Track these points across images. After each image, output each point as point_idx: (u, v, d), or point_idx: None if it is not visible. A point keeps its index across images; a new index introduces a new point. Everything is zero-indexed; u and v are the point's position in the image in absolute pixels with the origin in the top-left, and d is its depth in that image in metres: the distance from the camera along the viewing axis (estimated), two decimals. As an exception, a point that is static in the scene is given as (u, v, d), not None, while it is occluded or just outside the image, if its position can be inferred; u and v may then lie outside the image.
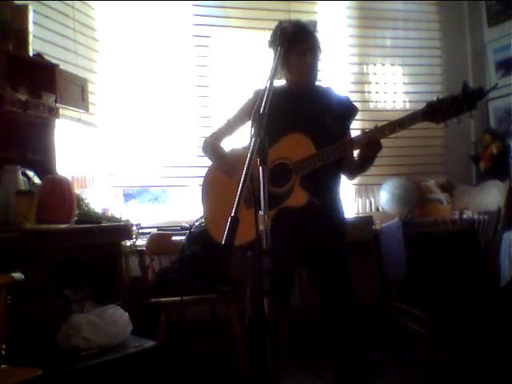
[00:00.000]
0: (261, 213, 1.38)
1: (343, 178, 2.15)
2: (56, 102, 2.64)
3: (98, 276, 2.55)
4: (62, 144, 2.79)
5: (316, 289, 2.11)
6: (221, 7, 3.77)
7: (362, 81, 4.11)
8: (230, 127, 2.21)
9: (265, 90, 1.52)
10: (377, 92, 4.11)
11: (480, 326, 2.85)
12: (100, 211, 2.91)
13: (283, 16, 3.47)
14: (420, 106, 1.82)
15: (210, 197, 2.20)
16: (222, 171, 2.13)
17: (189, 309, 3.08)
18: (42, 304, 2.06)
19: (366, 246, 3.32)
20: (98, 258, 2.51)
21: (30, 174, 2.43)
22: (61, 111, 2.71)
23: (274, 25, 2.04)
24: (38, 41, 2.81)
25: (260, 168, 1.38)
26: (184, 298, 2.65)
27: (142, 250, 3.06)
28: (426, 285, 2.64)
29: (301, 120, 2.00)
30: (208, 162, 2.28)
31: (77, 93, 2.90)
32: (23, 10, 2.59)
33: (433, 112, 1.78)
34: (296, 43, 1.95)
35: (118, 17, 3.50)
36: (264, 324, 1.40)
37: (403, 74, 4.18)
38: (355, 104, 2.19)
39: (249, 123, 1.48)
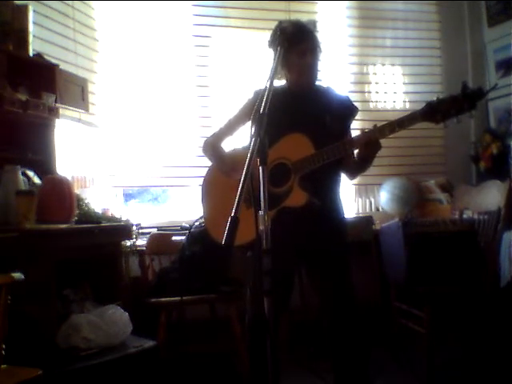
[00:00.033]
0: (261, 213, 1.38)
1: (343, 178, 2.15)
2: (56, 101, 2.64)
3: (98, 276, 2.55)
4: (61, 144, 2.79)
5: (316, 289, 2.11)
6: (221, 7, 3.77)
7: (361, 81, 4.11)
8: (230, 127, 2.21)
9: (265, 90, 1.52)
10: (377, 92, 4.11)
11: (480, 326, 2.85)
12: (100, 211, 2.91)
13: (283, 16, 3.47)
14: (420, 106, 1.82)
15: (210, 197, 2.20)
16: (222, 171, 2.13)
17: (189, 309, 3.08)
18: (42, 304, 2.06)
19: (366, 246, 3.31)
20: (97, 258, 2.51)
21: (30, 174, 2.43)
22: (61, 111, 2.72)
23: (273, 25, 2.04)
24: (38, 41, 2.81)
25: (260, 168, 1.38)
26: (184, 298, 2.65)
27: (142, 250, 3.06)
28: (426, 285, 2.64)
29: (301, 120, 2.00)
30: (208, 162, 2.28)
31: (77, 93, 2.90)
32: (23, 10, 2.59)
33: (432, 112, 1.78)
34: (296, 43, 1.95)
35: (118, 17, 3.50)
36: (264, 324, 1.40)
37: (403, 74, 4.18)
38: (355, 104, 2.19)
39: (249, 123, 1.47)
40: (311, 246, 2.02)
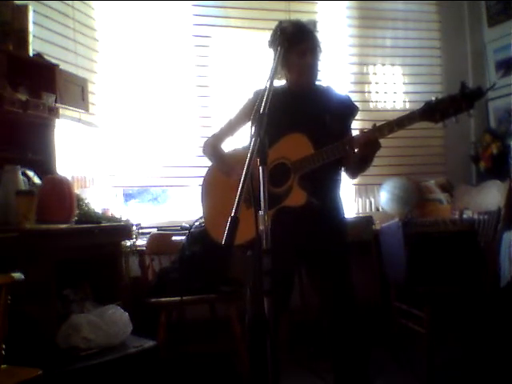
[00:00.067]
0: (261, 213, 1.38)
1: (344, 178, 2.15)
2: (56, 101, 2.64)
3: (98, 276, 2.55)
4: (61, 144, 2.79)
5: (316, 289, 2.11)
6: (221, 7, 3.77)
7: (362, 81, 4.11)
8: (230, 128, 2.21)
9: (265, 90, 1.52)
10: (377, 92, 4.12)
11: (480, 326, 2.85)
12: (100, 211, 2.91)
13: (283, 16, 3.47)
14: (420, 106, 1.82)
15: (210, 197, 2.20)
16: (222, 171, 2.13)
17: (189, 309, 3.08)
18: (42, 304, 2.06)
19: (366, 246, 3.31)
20: (97, 258, 2.51)
21: (30, 174, 2.43)
22: (61, 111, 2.72)
23: (273, 25, 2.04)
24: (38, 41, 2.81)
25: (260, 168, 1.38)
26: (184, 298, 2.65)
27: (142, 250, 3.06)
28: (426, 285, 2.64)
29: (301, 120, 2.00)
30: (208, 163, 2.28)
31: (77, 93, 2.90)
32: (23, 10, 2.59)
33: (431, 111, 1.78)
34: (296, 43, 1.95)
35: (118, 17, 3.50)
36: (264, 324, 1.40)
37: (403, 74, 4.18)
38: (355, 103, 2.19)
39: (249, 123, 1.48)
40: (311, 245, 2.02)
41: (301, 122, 1.98)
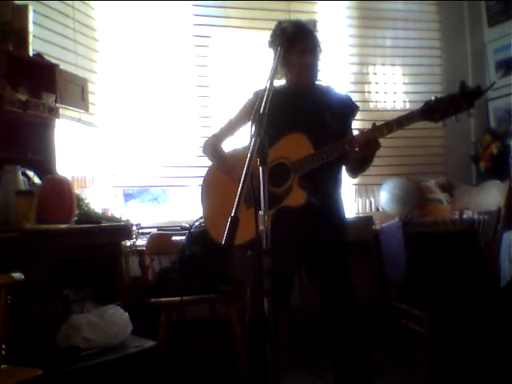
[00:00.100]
0: (261, 213, 1.38)
1: (344, 178, 2.15)
2: (56, 101, 2.64)
3: (98, 276, 2.55)
4: (61, 144, 2.79)
5: (316, 289, 2.11)
6: (221, 7, 3.77)
7: (362, 81, 4.11)
8: (230, 128, 2.21)
9: (265, 90, 1.52)
10: (377, 92, 4.12)
11: (480, 326, 2.85)
12: (100, 211, 2.91)
13: (283, 16, 3.47)
14: (419, 106, 1.82)
15: (210, 197, 2.20)
16: (223, 171, 2.13)
17: (189, 309, 3.08)
18: (42, 304, 2.06)
19: (366, 246, 3.31)
20: (98, 258, 2.51)
21: (30, 174, 2.43)
22: (61, 111, 2.72)
23: (273, 25, 2.04)
24: (38, 41, 2.81)
25: (260, 168, 1.38)
26: (184, 298, 2.65)
27: (142, 250, 3.06)
28: (426, 285, 2.64)
29: (301, 120, 2.00)
30: (208, 162, 2.28)
31: (77, 93, 2.90)
32: (23, 10, 2.59)
33: (431, 111, 1.78)
34: (296, 42, 1.95)
35: (118, 17, 3.50)
36: (264, 324, 1.40)
37: (403, 74, 4.18)
38: (356, 102, 2.19)
39: (249, 124, 1.48)
40: (311, 245, 2.02)
41: (301, 122, 1.98)
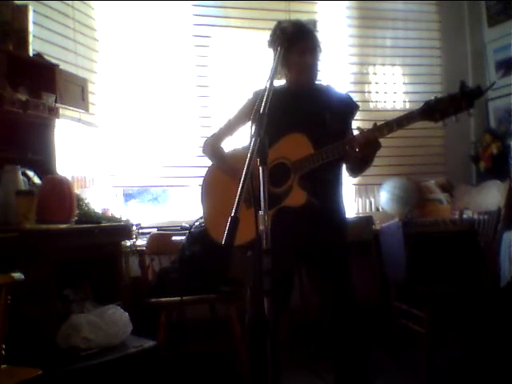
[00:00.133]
0: (261, 213, 1.38)
1: (345, 178, 2.15)
2: (56, 101, 2.64)
3: (98, 276, 2.55)
4: (61, 144, 2.79)
5: (316, 289, 2.11)
6: (221, 7, 3.77)
7: (362, 81, 4.11)
8: (229, 128, 2.21)
9: (265, 90, 1.52)
10: (377, 92, 4.12)
11: (480, 326, 2.85)
12: (100, 211, 2.91)
13: (283, 16, 3.47)
14: (419, 106, 1.82)
15: (210, 197, 2.20)
16: (223, 171, 2.13)
17: (189, 309, 3.08)
18: (42, 304, 2.06)
19: (366, 246, 3.31)
20: (98, 258, 2.51)
21: (30, 174, 2.43)
22: (61, 111, 2.72)
23: (273, 25, 2.04)
24: (38, 41, 2.81)
25: (260, 168, 1.38)
26: (184, 298, 2.65)
27: (142, 250, 3.06)
28: (426, 285, 2.64)
29: (301, 119, 2.00)
30: (208, 162, 2.28)
31: (77, 93, 2.90)
32: (23, 10, 2.59)
33: (431, 111, 1.78)
34: (296, 42, 1.95)
35: (118, 17, 3.50)
36: (264, 324, 1.40)
37: (403, 74, 4.18)
38: (355, 101, 2.19)
39: (249, 123, 1.48)
40: (311, 245, 2.02)
41: (301, 122, 1.98)
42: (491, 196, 2.92)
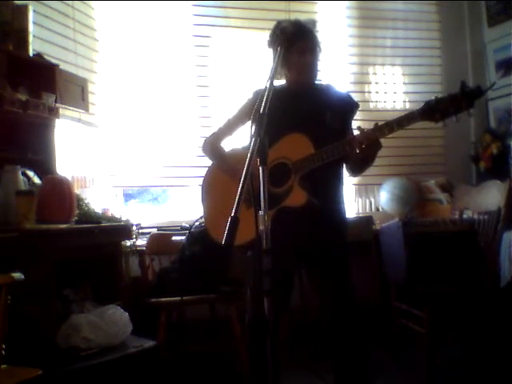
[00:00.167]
0: (261, 213, 1.38)
1: (346, 177, 2.15)
2: (56, 101, 2.64)
3: (98, 276, 2.55)
4: (61, 144, 2.79)
5: (316, 289, 2.11)
6: (221, 7, 3.77)
7: (362, 81, 4.11)
8: (229, 127, 2.21)
9: (265, 90, 1.52)
10: (377, 92, 4.12)
11: (480, 326, 2.85)
12: (100, 211, 2.91)
13: (283, 16, 3.47)
14: (420, 106, 1.82)
15: (210, 197, 2.20)
16: (223, 170, 2.13)
17: (189, 309, 3.08)
18: (42, 304, 2.06)
19: (366, 246, 3.31)
20: (98, 258, 2.51)
21: (30, 174, 2.43)
22: (61, 111, 2.72)
23: (273, 25, 2.04)
24: (38, 41, 2.81)
25: (260, 168, 1.38)
26: (184, 298, 2.65)
27: (142, 250, 3.06)
28: (426, 285, 2.64)
29: (301, 119, 2.00)
30: (208, 162, 2.28)
31: (77, 93, 2.90)
32: (23, 10, 2.59)
33: (431, 111, 1.78)
34: (296, 42, 1.95)
35: (118, 17, 3.50)
36: (264, 324, 1.40)
37: (403, 74, 4.18)
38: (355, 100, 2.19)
39: (249, 123, 1.48)
40: (311, 246, 2.01)
41: (301, 122, 1.98)
42: (491, 196, 2.92)
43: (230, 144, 2.23)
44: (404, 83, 4.17)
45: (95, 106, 3.34)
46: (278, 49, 1.82)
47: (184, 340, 2.93)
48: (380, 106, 4.11)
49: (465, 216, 3.06)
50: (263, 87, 1.54)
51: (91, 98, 3.19)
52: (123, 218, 2.87)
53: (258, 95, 1.57)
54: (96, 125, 3.31)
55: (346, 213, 2.14)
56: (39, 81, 2.64)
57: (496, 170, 3.82)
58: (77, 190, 2.80)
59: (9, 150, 2.46)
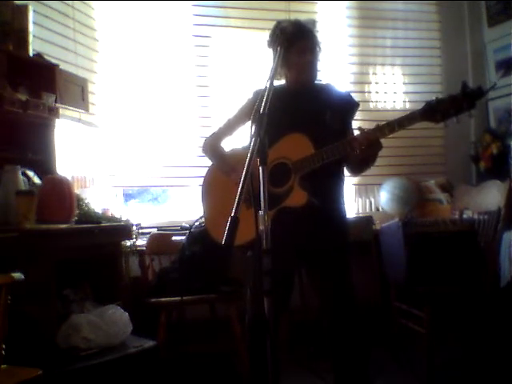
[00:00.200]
0: (261, 213, 1.38)
1: (346, 177, 2.15)
2: (56, 101, 2.64)
3: (98, 276, 2.55)
4: (61, 144, 2.79)
5: (316, 289, 2.11)
6: (221, 7, 3.77)
7: (362, 81, 4.11)
8: (229, 127, 2.21)
9: (265, 90, 1.52)
10: (377, 92, 4.12)
11: (480, 326, 2.85)
12: (100, 211, 2.91)
13: (283, 16, 3.47)
14: (420, 106, 1.82)
15: (210, 197, 2.20)
16: (222, 171, 2.13)
17: (189, 309, 3.08)
18: (42, 304, 2.06)
19: (366, 246, 3.31)
20: (98, 258, 2.51)
21: (30, 174, 2.43)
22: (61, 111, 2.72)
23: (273, 25, 2.04)
24: (38, 41, 2.81)
25: (260, 168, 1.38)
26: (184, 298, 2.65)
27: (142, 250, 3.06)
28: (426, 285, 2.64)
29: (301, 119, 2.00)
30: (208, 162, 2.28)
31: (77, 93, 2.90)
32: (23, 10, 2.59)
33: (432, 112, 1.78)
34: (296, 42, 1.95)
35: (118, 17, 3.50)
36: (264, 324, 1.40)
37: (403, 74, 4.18)
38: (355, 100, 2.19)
39: (248, 123, 1.48)
40: (311, 246, 2.01)
41: (301, 121, 1.98)
42: (491, 196, 2.92)
43: (230, 144, 2.23)
44: (404, 83, 4.17)
45: (95, 106, 3.34)
46: (278, 49, 1.82)
47: (184, 340, 2.93)
48: (380, 106, 4.11)
49: (465, 216, 3.06)
50: (263, 87, 1.54)
51: (91, 98, 3.19)
52: (123, 218, 2.87)
53: (258, 95, 1.57)
54: (96, 125, 3.31)
55: (347, 213, 2.14)
56: (39, 81, 2.64)
57: (496, 170, 3.82)
58: (77, 190, 2.80)
59: (9, 150, 2.46)
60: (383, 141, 1.89)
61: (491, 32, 4.14)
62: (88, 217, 2.60)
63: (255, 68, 3.66)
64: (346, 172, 2.13)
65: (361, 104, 2.26)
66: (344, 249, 2.08)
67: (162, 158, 3.58)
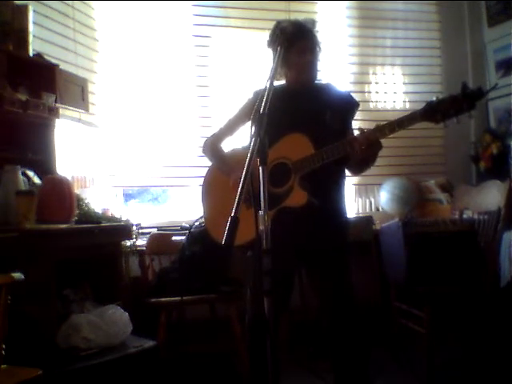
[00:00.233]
0: (261, 213, 1.38)
1: (347, 177, 2.15)
2: (56, 101, 2.64)
3: (98, 276, 2.55)
4: (61, 144, 2.79)
5: (316, 289, 2.11)
6: (221, 7, 3.77)
7: (362, 81, 4.11)
8: (230, 128, 2.21)
9: (265, 90, 1.52)
10: (377, 92, 4.12)
11: (480, 326, 2.85)
12: (100, 211, 2.91)
13: (283, 16, 3.47)
14: (420, 106, 1.82)
15: (210, 197, 2.20)
16: (222, 171, 2.13)
17: (189, 309, 3.08)
18: (42, 304, 2.06)
19: (366, 246, 3.31)
20: (98, 258, 2.51)
21: (30, 174, 2.43)
22: (61, 111, 2.72)
23: (273, 25, 2.04)
24: (38, 41, 2.81)
25: (260, 168, 1.38)
26: (184, 298, 2.65)
27: (142, 250, 3.06)
28: (426, 285, 2.64)
29: (301, 119, 2.00)
30: (208, 162, 2.28)
31: (77, 93, 2.90)
32: (23, 10, 2.59)
33: (432, 112, 1.78)
34: (295, 42, 1.95)
35: (118, 17, 3.50)
36: (264, 324, 1.40)
37: (403, 74, 4.18)
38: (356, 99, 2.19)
39: (249, 123, 1.48)
40: (311, 246, 2.01)
41: (301, 121, 1.98)
42: (491, 196, 2.92)
43: (230, 144, 2.23)
44: (404, 83, 4.17)
45: (95, 106, 3.34)
46: (278, 49, 1.82)
47: (184, 340, 2.93)
48: (380, 105, 4.11)
49: (465, 216, 3.06)
50: (263, 87, 1.54)
51: (91, 98, 3.19)
52: (123, 218, 2.87)
53: (258, 95, 1.57)
54: (96, 125, 3.31)
55: (347, 213, 2.14)
56: (39, 81, 2.64)
57: (496, 170, 3.82)
58: (77, 190, 2.80)
59: (9, 150, 2.46)
60: (383, 141, 1.89)
61: (491, 32, 4.14)
62: (88, 217, 2.60)
63: (255, 68, 3.66)
64: (346, 172, 2.13)
65: (361, 104, 2.26)
66: (344, 249, 2.08)
67: (161, 158, 3.58)
